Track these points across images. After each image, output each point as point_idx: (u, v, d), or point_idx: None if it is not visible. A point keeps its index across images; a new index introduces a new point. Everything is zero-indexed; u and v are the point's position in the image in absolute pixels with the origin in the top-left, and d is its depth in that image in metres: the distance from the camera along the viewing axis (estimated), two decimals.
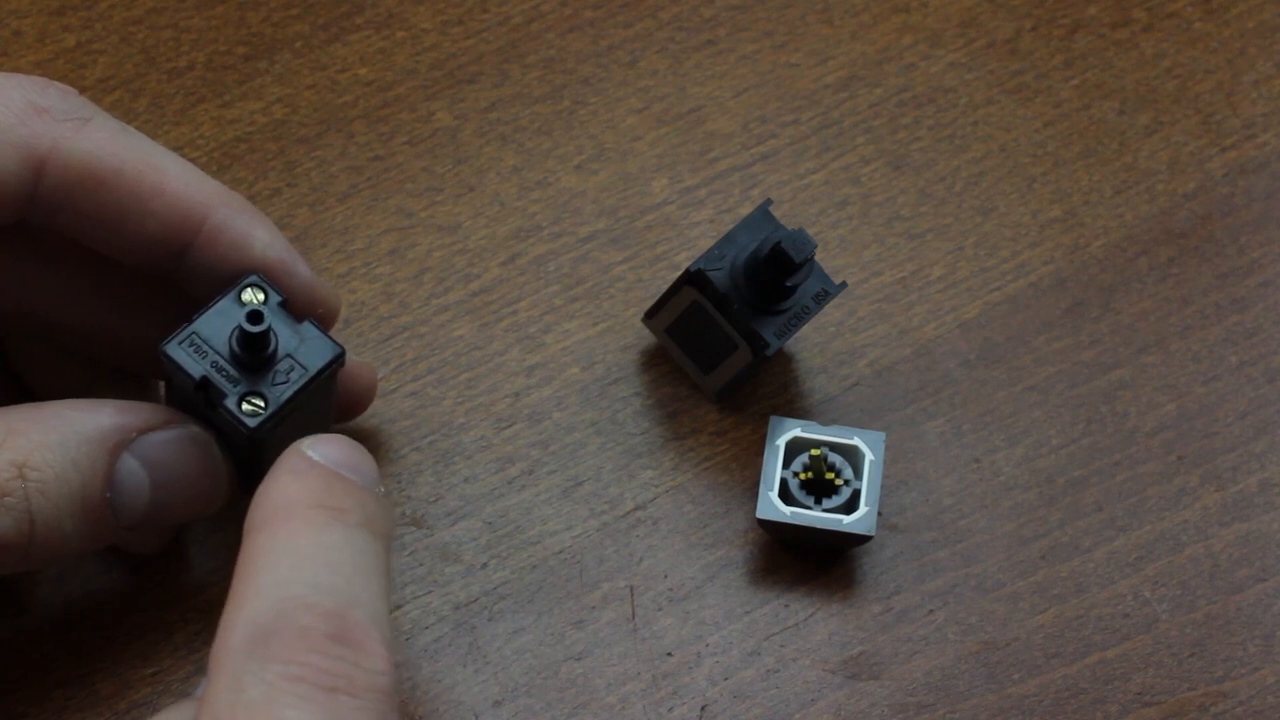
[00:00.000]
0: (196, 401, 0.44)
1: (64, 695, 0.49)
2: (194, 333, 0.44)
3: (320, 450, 0.42)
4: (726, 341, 0.51)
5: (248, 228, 0.45)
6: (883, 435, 0.51)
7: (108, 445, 0.44)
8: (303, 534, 0.39)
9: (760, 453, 0.52)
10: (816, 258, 0.50)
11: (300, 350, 0.45)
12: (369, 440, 0.52)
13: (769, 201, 0.51)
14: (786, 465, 0.51)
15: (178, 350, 0.44)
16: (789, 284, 0.50)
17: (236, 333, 0.44)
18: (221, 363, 0.44)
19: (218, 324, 0.44)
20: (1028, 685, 0.50)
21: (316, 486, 0.41)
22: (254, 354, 0.44)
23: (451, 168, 0.56)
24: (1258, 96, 0.59)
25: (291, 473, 0.41)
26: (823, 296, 0.51)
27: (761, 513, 0.50)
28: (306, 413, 0.46)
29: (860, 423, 0.53)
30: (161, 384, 0.50)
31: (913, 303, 0.55)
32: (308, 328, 0.45)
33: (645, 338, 0.54)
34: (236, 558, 0.40)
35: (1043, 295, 0.56)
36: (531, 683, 0.50)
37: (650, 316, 0.53)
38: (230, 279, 0.45)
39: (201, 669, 0.49)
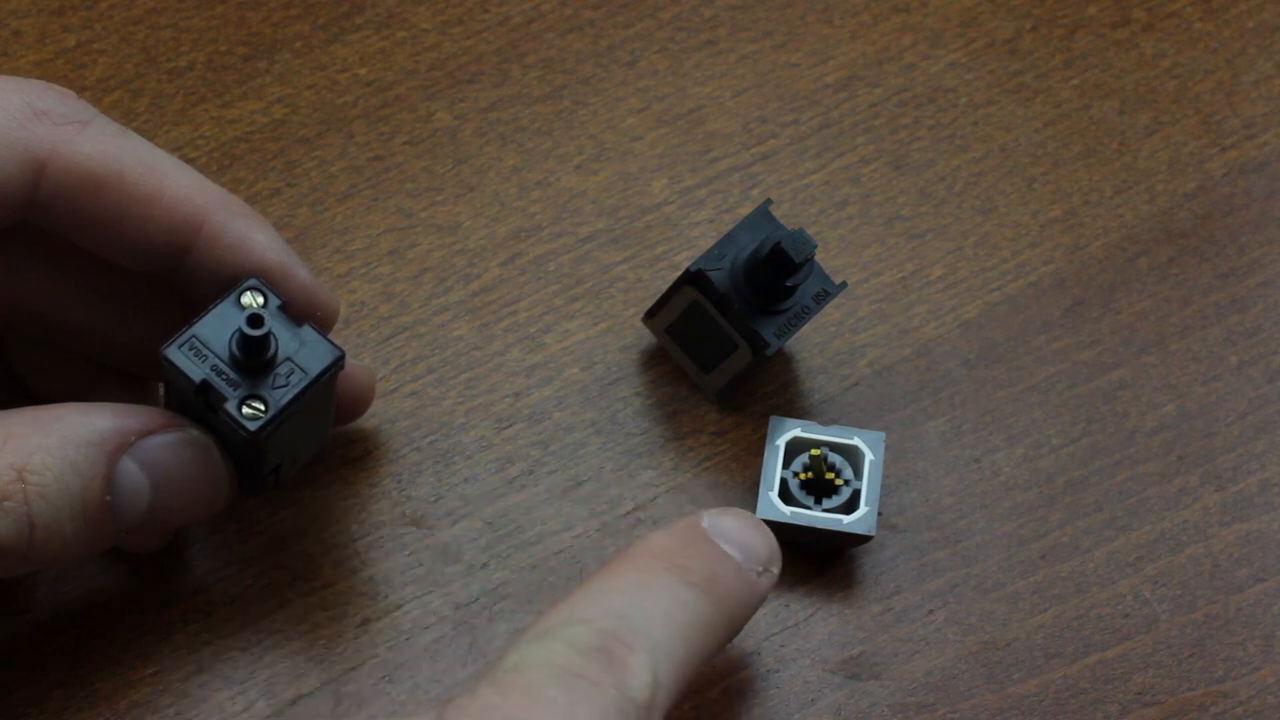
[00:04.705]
0: (196, 405, 0.44)
1: (64, 695, 0.49)
2: (194, 336, 0.44)
3: (711, 520, 0.45)
4: (726, 341, 0.51)
5: (247, 231, 0.45)
6: (883, 435, 0.51)
7: (107, 448, 0.44)
8: (632, 573, 0.43)
9: (760, 453, 0.52)
10: (816, 258, 0.50)
11: (300, 353, 0.45)
12: (369, 440, 0.52)
13: (769, 201, 0.51)
14: (786, 465, 0.51)
15: (178, 354, 0.44)
16: (789, 284, 0.50)
17: (236, 336, 0.44)
18: (221, 366, 0.44)
19: (217, 327, 0.44)
20: (1028, 685, 0.50)
21: (674, 543, 0.44)
22: (254, 357, 0.44)
23: (451, 168, 0.56)
24: (1258, 96, 0.59)
25: (669, 530, 0.45)
26: (823, 296, 0.51)
27: (761, 513, 0.50)
28: (306, 416, 0.46)
29: (860, 423, 0.53)
30: (161, 386, 0.50)
31: (913, 303, 0.55)
32: (307, 331, 0.45)
33: (645, 338, 0.54)
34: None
35: (1043, 295, 0.55)
36: None
37: (650, 316, 0.53)
38: (230, 282, 0.45)
39: (201, 668, 0.49)
